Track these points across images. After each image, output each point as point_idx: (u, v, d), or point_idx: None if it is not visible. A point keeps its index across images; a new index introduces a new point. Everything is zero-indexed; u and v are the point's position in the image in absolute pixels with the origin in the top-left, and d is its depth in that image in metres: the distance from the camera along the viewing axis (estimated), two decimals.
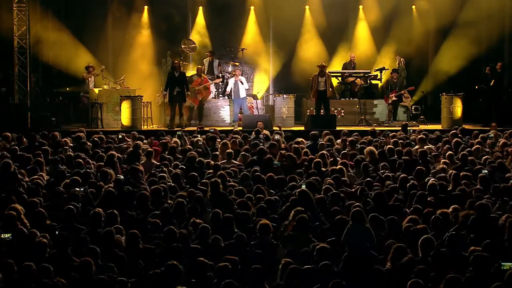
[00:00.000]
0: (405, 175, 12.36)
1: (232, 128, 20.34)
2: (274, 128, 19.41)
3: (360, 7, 25.37)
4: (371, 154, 14.33)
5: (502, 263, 7.74)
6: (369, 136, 17.10)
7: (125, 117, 20.83)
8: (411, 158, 13.84)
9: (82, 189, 11.40)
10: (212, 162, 13.90)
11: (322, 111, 21.49)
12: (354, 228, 9.31)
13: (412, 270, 8.05)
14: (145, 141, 16.86)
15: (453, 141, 15.84)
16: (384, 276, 8.11)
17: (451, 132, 17.39)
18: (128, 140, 16.89)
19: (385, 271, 8.22)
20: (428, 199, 10.89)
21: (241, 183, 12.35)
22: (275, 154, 14.53)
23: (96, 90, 21.98)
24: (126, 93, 21.46)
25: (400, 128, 18.86)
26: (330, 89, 21.55)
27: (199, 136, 17.31)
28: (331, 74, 22.94)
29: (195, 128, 19.73)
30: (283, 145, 16.20)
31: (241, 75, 22.10)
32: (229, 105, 22.43)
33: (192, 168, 13.31)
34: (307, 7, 25.29)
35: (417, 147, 15.52)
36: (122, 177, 12.26)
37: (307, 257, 8.59)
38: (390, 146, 15.21)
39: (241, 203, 10.69)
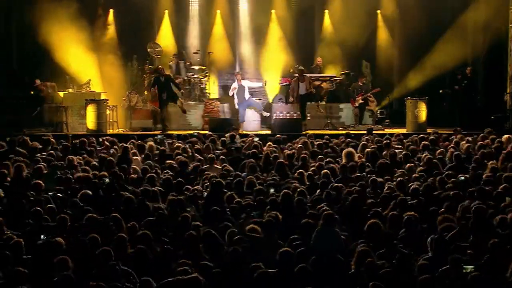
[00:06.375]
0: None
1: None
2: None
3: (326, 11, 25.46)
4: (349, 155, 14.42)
5: (464, 266, 7.81)
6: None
7: (90, 121, 20.73)
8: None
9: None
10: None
11: (309, 115, 21.95)
12: (323, 231, 9.28)
13: (375, 273, 8.08)
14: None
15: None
16: (348, 279, 8.14)
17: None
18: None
19: (349, 275, 8.24)
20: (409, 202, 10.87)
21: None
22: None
23: (61, 94, 21.81)
24: (91, 97, 21.33)
25: (366, 132, 18.95)
26: (313, 89, 21.88)
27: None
28: None
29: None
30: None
31: (243, 79, 22.19)
32: (196, 109, 22.32)
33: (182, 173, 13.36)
34: (273, 11, 25.32)
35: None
36: (107, 180, 12.22)
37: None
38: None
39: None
